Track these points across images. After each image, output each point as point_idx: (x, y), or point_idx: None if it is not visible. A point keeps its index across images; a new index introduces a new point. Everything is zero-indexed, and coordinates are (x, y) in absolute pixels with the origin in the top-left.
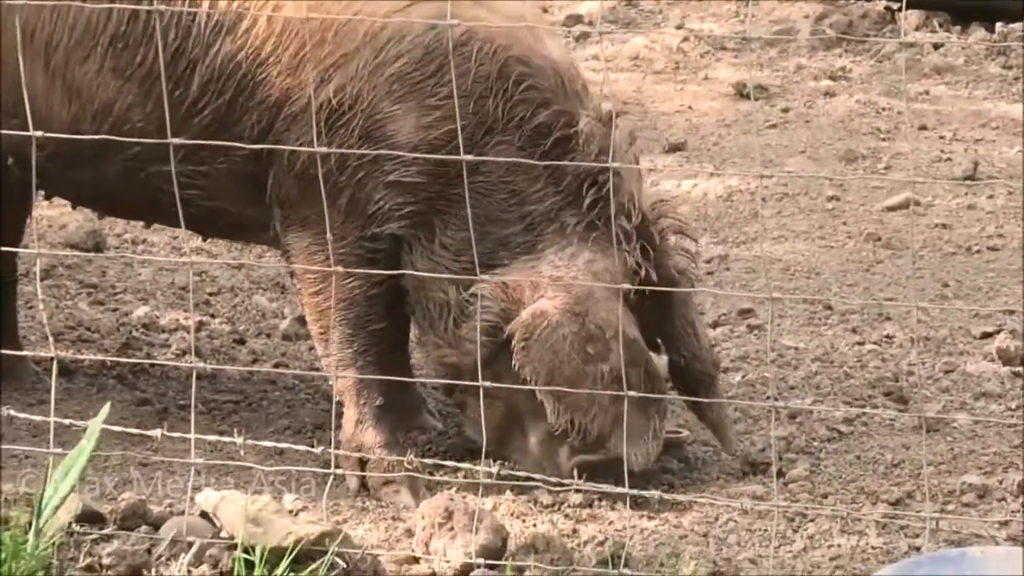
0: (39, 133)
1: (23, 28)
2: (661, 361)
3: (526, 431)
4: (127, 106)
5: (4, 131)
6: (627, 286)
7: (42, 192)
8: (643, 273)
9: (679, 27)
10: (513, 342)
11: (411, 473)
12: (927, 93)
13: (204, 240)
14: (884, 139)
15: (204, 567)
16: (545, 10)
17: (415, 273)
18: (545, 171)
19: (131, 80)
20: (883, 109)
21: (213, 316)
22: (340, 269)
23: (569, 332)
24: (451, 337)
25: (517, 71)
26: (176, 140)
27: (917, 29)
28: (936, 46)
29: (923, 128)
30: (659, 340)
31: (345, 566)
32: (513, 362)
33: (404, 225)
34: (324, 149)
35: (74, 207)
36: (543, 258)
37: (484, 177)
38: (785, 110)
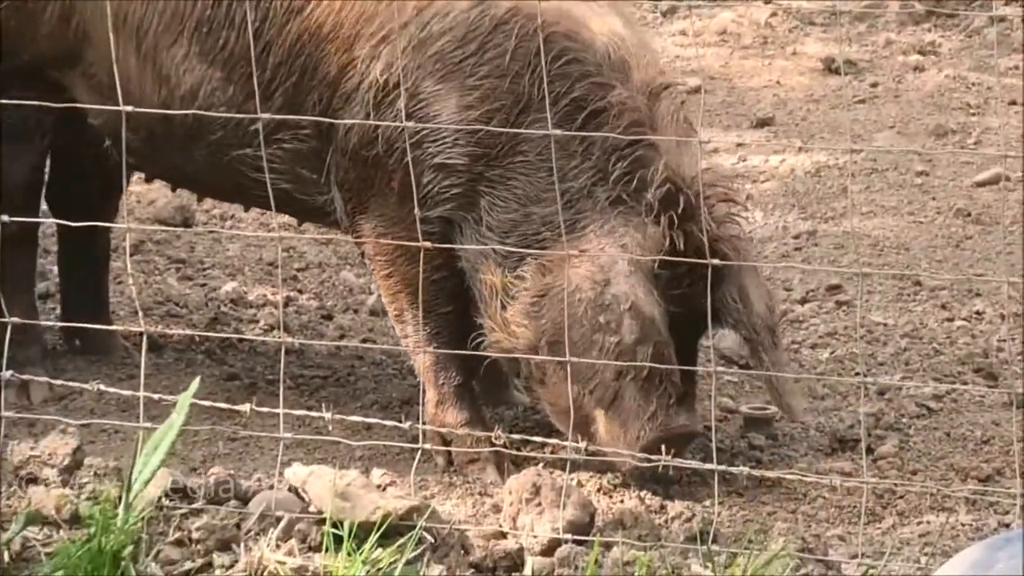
0: (129, 108)
1: (115, 12)
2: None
3: (591, 418)
4: (210, 91)
5: (96, 107)
6: (658, 257)
7: (142, 174)
8: (676, 244)
9: (767, 1)
10: (529, 295)
11: (497, 450)
12: (1017, 68)
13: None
14: (974, 114)
15: (292, 541)
16: None
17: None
18: (579, 146)
19: (214, 64)
20: (973, 84)
21: (301, 292)
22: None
23: (585, 298)
24: (500, 321)
25: (559, 47)
26: (265, 116)
27: (1007, 3)
28: None
29: (1013, 103)
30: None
31: (433, 541)
32: (522, 314)
33: (451, 207)
34: (410, 124)
35: (173, 189)
36: (585, 236)
37: (523, 156)
38: (874, 85)
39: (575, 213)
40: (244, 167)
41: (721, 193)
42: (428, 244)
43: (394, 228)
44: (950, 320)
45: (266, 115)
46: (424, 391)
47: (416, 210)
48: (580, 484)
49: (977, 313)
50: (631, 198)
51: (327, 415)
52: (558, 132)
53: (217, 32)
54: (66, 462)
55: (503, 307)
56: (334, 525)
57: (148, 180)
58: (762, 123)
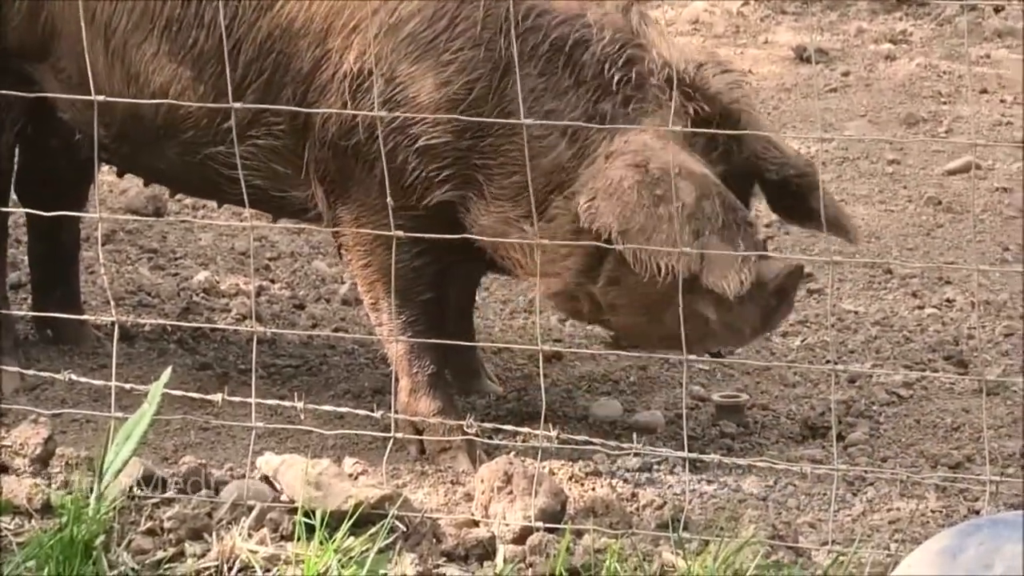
0: (101, 98)
1: (84, 9)
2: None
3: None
4: (181, 90)
5: (69, 96)
6: (680, 128)
7: (115, 168)
8: (694, 111)
9: None
10: (580, 208)
11: (469, 438)
12: (988, 57)
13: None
14: (945, 103)
15: (264, 531)
16: None
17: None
18: (568, 79)
19: (184, 63)
20: (944, 73)
21: (273, 281)
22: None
23: (634, 181)
24: (546, 268)
25: (526, 4)
26: (238, 105)
27: None
28: (997, 9)
29: (984, 92)
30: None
31: (405, 529)
32: (583, 222)
33: (448, 189)
34: (383, 113)
35: (146, 184)
36: (599, 156)
37: (515, 117)
38: (845, 74)
39: (584, 143)
40: (217, 165)
41: (717, 65)
42: (400, 233)
43: (375, 216)
44: (921, 308)
45: (238, 104)
46: (396, 380)
47: (389, 199)
48: (552, 472)
49: (948, 301)
50: (637, 94)
51: (299, 404)
52: (529, 121)
53: (187, 31)
54: (38, 452)
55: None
56: (306, 514)
57: (120, 175)
58: None
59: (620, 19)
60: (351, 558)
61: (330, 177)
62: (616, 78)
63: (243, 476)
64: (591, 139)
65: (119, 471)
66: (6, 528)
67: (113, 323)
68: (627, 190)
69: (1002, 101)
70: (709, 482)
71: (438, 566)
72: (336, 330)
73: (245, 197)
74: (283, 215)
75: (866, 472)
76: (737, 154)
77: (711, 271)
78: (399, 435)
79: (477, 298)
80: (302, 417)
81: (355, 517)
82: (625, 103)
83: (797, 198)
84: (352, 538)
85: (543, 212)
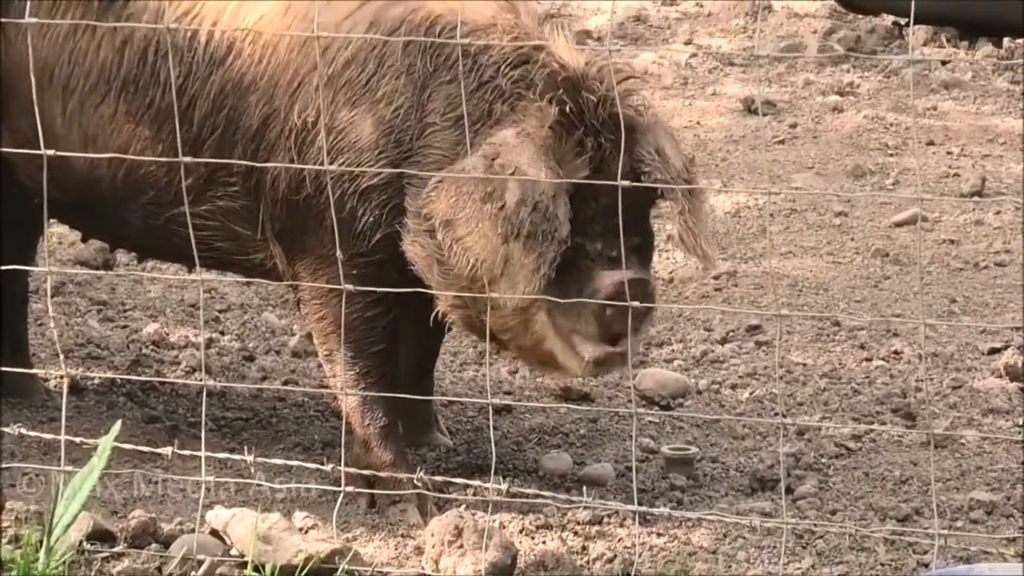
0: (51, 152)
1: (40, 70)
2: None
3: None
4: (139, 150)
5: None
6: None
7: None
8: (576, 118)
9: (687, 43)
10: (426, 189)
11: (419, 491)
12: (935, 108)
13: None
14: (892, 155)
15: None
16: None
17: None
18: (473, 82)
19: (142, 123)
20: (891, 125)
21: (223, 333)
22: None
23: (475, 172)
24: (439, 280)
25: (442, 24)
26: (188, 159)
27: (925, 44)
28: (944, 62)
29: (931, 144)
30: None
31: None
32: (421, 203)
33: (391, 221)
34: (333, 167)
35: (112, 250)
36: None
37: (432, 127)
38: (793, 126)
39: (475, 140)
40: (181, 227)
41: (618, 71)
42: (350, 287)
43: (331, 268)
44: (869, 360)
45: (188, 158)
46: (345, 433)
47: (338, 251)
48: (502, 526)
49: (895, 353)
50: (524, 92)
51: (249, 457)
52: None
53: (144, 90)
54: None
55: (442, 267)
56: (256, 568)
57: (84, 240)
58: None
59: (532, 26)
60: None
61: (287, 234)
62: (509, 80)
63: (193, 530)
64: (483, 133)
65: (68, 525)
66: None
67: (62, 376)
68: (467, 181)
69: (948, 153)
70: (659, 535)
71: None
72: (286, 382)
73: (196, 255)
74: (250, 276)
75: (815, 525)
76: (614, 161)
77: (505, 277)
78: (349, 489)
79: None
80: (252, 470)
81: (305, 571)
82: (510, 101)
83: (669, 202)
84: None
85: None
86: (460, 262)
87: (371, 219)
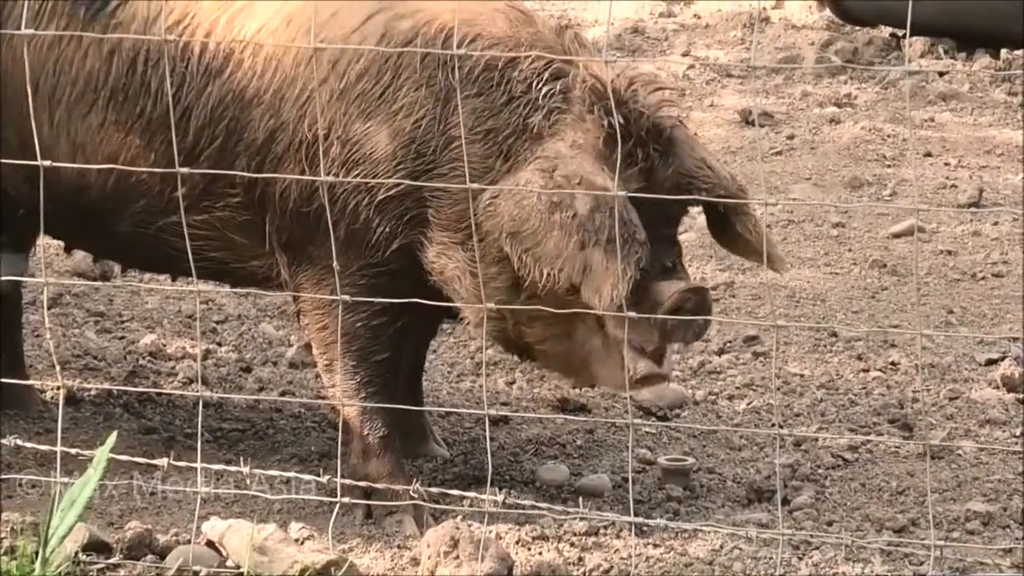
0: (47, 163)
1: (28, 78)
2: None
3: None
4: (130, 159)
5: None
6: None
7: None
8: (623, 130)
9: (685, 54)
10: (482, 204)
11: (415, 502)
12: (932, 120)
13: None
14: (889, 166)
15: None
16: None
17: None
18: (502, 96)
19: (132, 132)
20: (888, 136)
21: (220, 344)
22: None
23: (536, 185)
24: (476, 292)
25: (461, 34)
26: (185, 170)
27: (922, 56)
28: (941, 73)
29: (928, 155)
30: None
31: None
32: (480, 217)
33: (408, 234)
34: (329, 178)
35: (96, 260)
36: (527, 169)
37: (457, 142)
38: (790, 137)
39: (517, 157)
40: (172, 236)
41: (649, 83)
42: (347, 298)
43: (334, 278)
44: (866, 371)
45: (185, 169)
46: (341, 444)
47: (335, 263)
48: (498, 536)
49: (892, 364)
50: (563, 106)
51: (245, 469)
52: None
53: (134, 100)
54: None
55: (472, 279)
56: None
57: (67, 250)
58: None
59: (552, 38)
60: None
61: (293, 244)
62: (543, 92)
63: (189, 541)
64: (522, 154)
65: (64, 536)
66: None
67: (59, 387)
68: (528, 193)
69: (946, 164)
70: (656, 546)
71: None
72: (283, 393)
73: (192, 265)
74: (243, 285)
75: (811, 536)
76: (663, 171)
77: (587, 284)
78: (345, 500)
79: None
80: (248, 482)
81: None
82: (549, 115)
83: (726, 221)
84: None
85: (479, 234)
86: (533, 273)
87: (387, 230)
